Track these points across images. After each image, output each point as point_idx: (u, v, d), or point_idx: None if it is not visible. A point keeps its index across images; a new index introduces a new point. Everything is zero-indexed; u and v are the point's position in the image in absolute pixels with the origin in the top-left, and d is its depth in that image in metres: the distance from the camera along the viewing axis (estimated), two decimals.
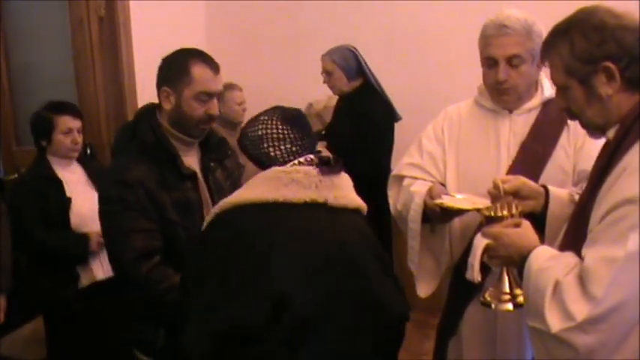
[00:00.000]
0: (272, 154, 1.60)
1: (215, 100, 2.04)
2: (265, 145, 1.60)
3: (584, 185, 1.61)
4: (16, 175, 3.45)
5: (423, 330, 3.91)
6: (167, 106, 2.03)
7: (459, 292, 2.09)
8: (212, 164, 2.15)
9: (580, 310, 1.30)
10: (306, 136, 1.64)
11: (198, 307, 1.52)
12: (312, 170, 1.56)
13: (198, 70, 2.00)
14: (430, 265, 2.16)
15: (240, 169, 2.28)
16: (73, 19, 3.75)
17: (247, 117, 3.95)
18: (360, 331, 1.55)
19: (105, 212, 2.02)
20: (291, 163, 1.59)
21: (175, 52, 2.09)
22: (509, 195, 1.76)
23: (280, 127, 1.61)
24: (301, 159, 1.60)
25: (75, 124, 2.93)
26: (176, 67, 2.02)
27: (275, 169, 1.56)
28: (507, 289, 1.65)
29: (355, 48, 3.67)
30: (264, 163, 1.60)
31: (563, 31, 1.48)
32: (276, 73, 4.41)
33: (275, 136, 1.60)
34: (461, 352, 2.16)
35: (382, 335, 1.60)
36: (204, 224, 1.62)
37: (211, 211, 1.61)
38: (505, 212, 1.62)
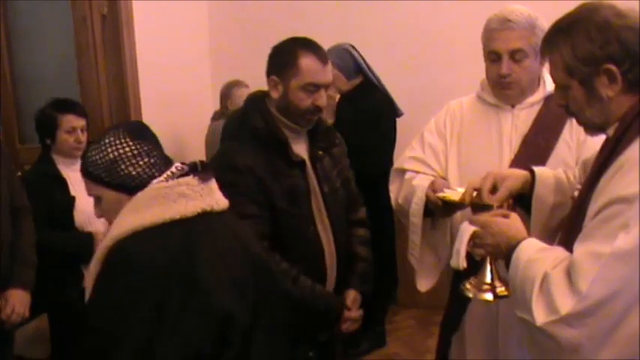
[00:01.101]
0: (133, 173, 1.50)
1: (323, 92, 2.04)
2: (123, 167, 1.50)
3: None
4: (19, 174, 3.45)
5: (426, 327, 3.92)
6: (275, 94, 2.05)
7: None
8: (320, 152, 2.16)
9: (565, 303, 1.29)
10: (157, 146, 1.57)
11: (132, 354, 1.39)
12: (192, 180, 1.51)
13: (307, 61, 2.00)
14: (430, 260, 2.16)
15: (346, 158, 2.31)
16: (76, 17, 3.75)
17: None
18: (279, 326, 1.57)
19: None
20: (165, 175, 1.52)
21: (285, 41, 2.09)
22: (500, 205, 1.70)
23: (131, 143, 1.52)
24: (173, 169, 1.54)
25: (79, 122, 2.93)
26: (284, 57, 2.03)
27: (155, 186, 1.49)
28: (489, 280, 1.64)
29: (352, 46, 3.66)
30: (128, 185, 1.50)
31: (566, 29, 1.44)
32: None
33: (130, 154, 1.50)
34: (464, 350, 2.16)
35: (289, 325, 1.63)
36: (97, 261, 1.48)
37: (101, 245, 1.49)
38: (494, 202, 1.63)
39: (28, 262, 2.55)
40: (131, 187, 1.50)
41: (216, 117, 4.34)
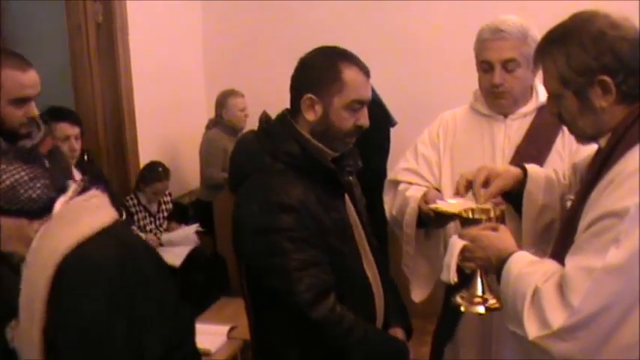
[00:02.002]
0: (34, 196, 1.48)
1: (366, 109, 1.74)
2: (22, 192, 1.46)
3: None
4: None
5: (420, 336, 3.87)
6: (311, 116, 1.71)
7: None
8: (350, 178, 1.89)
9: (557, 318, 1.30)
10: (44, 167, 1.57)
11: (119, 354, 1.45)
12: (97, 192, 1.58)
13: (351, 75, 1.70)
14: (424, 270, 2.15)
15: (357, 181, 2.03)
16: (71, 25, 3.75)
17: (249, 123, 3.97)
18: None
19: (262, 243, 1.69)
20: (70, 193, 1.53)
21: (319, 53, 1.78)
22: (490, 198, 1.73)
23: (25, 167, 1.49)
24: (75, 187, 1.56)
25: (72, 131, 2.92)
26: (323, 72, 1.72)
27: (71, 202, 1.51)
28: (480, 293, 1.64)
29: None
30: (29, 209, 1.48)
31: (560, 38, 1.43)
32: (275, 77, 4.39)
33: (26, 177, 1.47)
34: (457, 355, 2.15)
35: None
36: (46, 280, 1.42)
37: (47, 263, 1.43)
38: (483, 216, 1.63)
39: None
40: (32, 210, 1.48)
41: (210, 125, 4.35)
